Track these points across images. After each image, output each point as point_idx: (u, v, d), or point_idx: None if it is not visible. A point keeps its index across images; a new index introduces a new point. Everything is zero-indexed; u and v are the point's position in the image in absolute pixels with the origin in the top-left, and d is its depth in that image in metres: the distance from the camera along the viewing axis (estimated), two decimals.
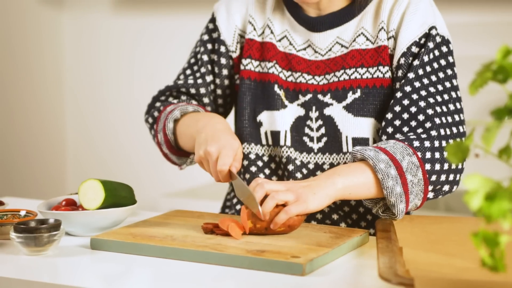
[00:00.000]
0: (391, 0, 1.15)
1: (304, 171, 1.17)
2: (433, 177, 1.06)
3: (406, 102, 1.09)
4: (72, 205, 1.13)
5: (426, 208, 2.09)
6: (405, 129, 1.09)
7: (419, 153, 1.05)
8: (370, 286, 0.85)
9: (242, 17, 1.23)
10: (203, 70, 1.25)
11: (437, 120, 1.08)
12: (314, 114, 1.16)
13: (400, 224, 1.02)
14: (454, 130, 1.09)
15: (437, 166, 1.06)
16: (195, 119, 1.17)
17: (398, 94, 1.10)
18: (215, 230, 1.02)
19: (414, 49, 1.12)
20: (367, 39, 1.15)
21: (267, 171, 1.21)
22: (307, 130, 1.17)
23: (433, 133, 1.07)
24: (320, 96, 1.16)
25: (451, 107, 1.10)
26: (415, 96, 1.09)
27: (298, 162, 1.17)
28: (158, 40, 2.58)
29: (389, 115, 1.10)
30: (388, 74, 1.13)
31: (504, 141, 0.63)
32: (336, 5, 1.17)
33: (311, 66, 1.17)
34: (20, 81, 2.63)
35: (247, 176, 1.22)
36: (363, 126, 1.13)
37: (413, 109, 1.09)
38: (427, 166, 1.05)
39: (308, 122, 1.17)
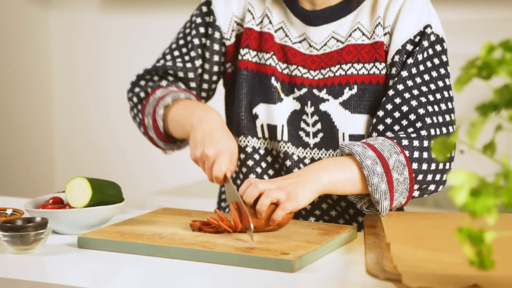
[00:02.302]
0: None
1: (302, 166, 1.17)
2: (420, 177, 1.06)
3: (398, 100, 1.10)
4: (59, 203, 1.12)
5: (414, 204, 2.10)
6: (396, 127, 1.10)
7: (407, 152, 1.05)
8: (358, 282, 0.86)
9: (240, 5, 1.21)
10: (193, 54, 1.23)
11: (428, 120, 1.08)
12: (309, 109, 1.15)
13: (388, 220, 1.03)
14: (444, 130, 1.10)
15: (424, 166, 1.06)
16: (189, 109, 1.15)
17: (390, 92, 1.10)
18: (203, 227, 1.02)
19: (409, 47, 1.12)
20: (363, 34, 1.14)
21: (263, 164, 1.20)
22: (303, 125, 1.16)
23: (423, 132, 1.07)
24: (315, 91, 1.16)
25: (443, 106, 1.11)
26: (407, 95, 1.09)
27: (295, 157, 1.17)
28: (145, 38, 2.57)
29: (380, 113, 1.10)
30: (385, 71, 1.13)
31: (490, 137, 0.63)
32: (333, 0, 1.17)
33: (306, 60, 1.17)
34: (7, 80, 2.61)
35: (244, 170, 1.21)
36: (360, 123, 1.13)
37: (405, 108, 1.09)
38: (414, 165, 1.06)
39: (304, 117, 1.16)
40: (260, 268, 0.90)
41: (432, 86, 1.11)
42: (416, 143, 1.06)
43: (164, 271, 0.91)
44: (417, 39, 1.12)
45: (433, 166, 1.07)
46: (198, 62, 1.23)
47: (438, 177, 1.09)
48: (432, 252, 0.85)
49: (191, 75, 1.23)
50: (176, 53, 1.25)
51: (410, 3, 1.13)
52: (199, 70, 1.24)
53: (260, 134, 1.19)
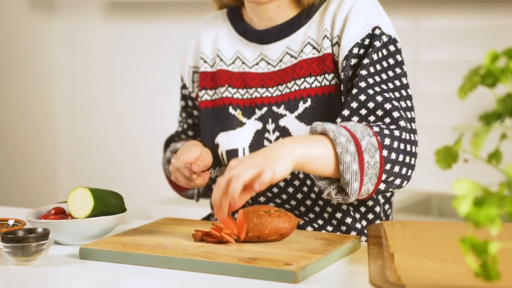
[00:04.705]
0: (334, 7, 1.16)
1: None
2: (388, 166, 1.05)
3: (362, 97, 1.09)
4: (61, 213, 1.12)
5: (418, 213, 2.09)
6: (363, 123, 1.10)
7: (378, 137, 1.04)
8: None
9: (193, 55, 1.30)
10: (184, 115, 1.34)
11: (396, 114, 1.07)
12: (271, 126, 1.18)
13: (392, 230, 1.02)
14: (409, 126, 1.09)
15: (393, 155, 1.05)
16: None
17: (354, 91, 1.10)
18: (205, 238, 1.01)
19: (356, 51, 1.12)
20: (314, 47, 1.16)
21: None
22: (266, 143, 1.19)
23: (393, 126, 1.07)
24: (274, 108, 1.19)
25: (404, 104, 1.11)
26: (370, 91, 1.09)
27: None
28: (149, 46, 2.58)
29: (345, 112, 1.10)
30: (335, 81, 1.15)
31: (493, 146, 0.62)
32: (286, 15, 1.19)
33: (264, 79, 1.20)
34: (11, 88, 2.62)
35: None
36: None
37: (371, 105, 1.08)
38: (384, 153, 1.04)
39: (266, 135, 1.19)
40: (263, 279, 0.89)
41: (390, 85, 1.11)
42: (386, 131, 1.05)
43: (166, 282, 0.91)
44: (366, 42, 1.12)
45: (401, 158, 1.06)
46: (190, 120, 1.34)
47: (404, 170, 1.07)
48: (436, 262, 0.85)
49: (190, 133, 1.34)
50: (179, 119, 1.36)
51: (357, 9, 1.14)
52: (196, 127, 1.33)
53: (222, 162, 1.23)
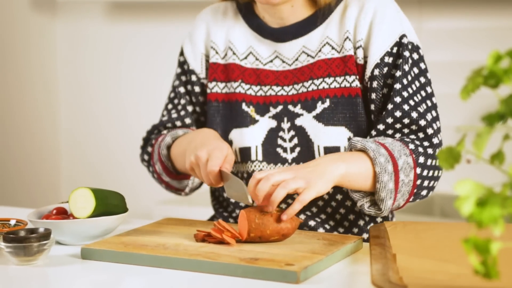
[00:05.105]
0: (356, 9, 1.15)
1: None
2: (419, 181, 1.09)
3: (398, 113, 1.11)
4: (63, 213, 1.12)
5: (421, 213, 2.08)
6: (397, 135, 1.12)
7: (414, 156, 1.08)
8: None
9: (204, 43, 1.26)
10: (183, 101, 1.28)
11: (430, 131, 1.11)
12: (286, 125, 1.18)
13: (394, 230, 1.02)
14: (439, 139, 1.12)
15: (425, 172, 1.09)
16: (186, 138, 1.20)
17: (389, 106, 1.11)
18: (207, 238, 1.01)
19: (388, 59, 1.13)
20: (333, 48, 1.16)
21: None
22: (280, 141, 1.18)
23: (426, 143, 1.10)
24: (290, 107, 1.18)
25: (431, 115, 1.13)
26: (406, 107, 1.11)
27: None
28: (152, 46, 2.58)
29: (381, 126, 1.12)
30: (355, 83, 1.14)
31: (496, 147, 0.62)
32: (300, 14, 1.18)
33: (279, 77, 1.19)
34: (14, 88, 2.62)
35: (222, 195, 1.25)
36: (334, 135, 1.14)
37: (406, 120, 1.11)
38: (418, 170, 1.08)
39: (281, 133, 1.18)
40: (264, 279, 0.89)
41: (419, 96, 1.13)
42: (421, 149, 1.09)
43: (167, 282, 0.91)
44: (394, 50, 1.13)
45: (430, 173, 1.10)
46: (190, 108, 1.27)
47: (431, 183, 1.12)
48: (439, 263, 0.84)
49: (188, 121, 1.27)
50: (170, 106, 1.30)
51: (381, 14, 1.13)
52: (195, 115, 1.28)
53: (236, 159, 1.21)
